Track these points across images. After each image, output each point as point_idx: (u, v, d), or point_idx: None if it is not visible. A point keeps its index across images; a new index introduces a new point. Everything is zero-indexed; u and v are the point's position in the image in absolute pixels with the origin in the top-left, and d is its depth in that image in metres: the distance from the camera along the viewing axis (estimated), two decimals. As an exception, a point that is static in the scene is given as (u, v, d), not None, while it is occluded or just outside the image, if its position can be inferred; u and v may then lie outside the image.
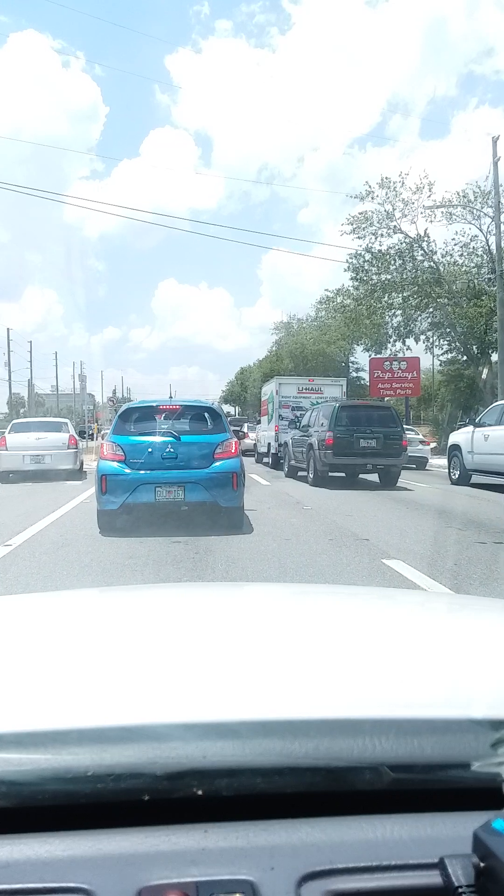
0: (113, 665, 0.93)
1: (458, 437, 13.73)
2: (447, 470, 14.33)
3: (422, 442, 19.70)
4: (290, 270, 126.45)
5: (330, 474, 12.77)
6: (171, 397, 15.01)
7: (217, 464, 7.15)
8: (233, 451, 7.31)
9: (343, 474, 13.22)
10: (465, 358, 29.27)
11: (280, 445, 17.34)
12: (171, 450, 7.05)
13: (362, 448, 12.58)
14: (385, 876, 0.57)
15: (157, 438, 7.18)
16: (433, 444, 23.63)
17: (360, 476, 13.66)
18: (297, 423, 16.01)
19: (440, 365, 36.86)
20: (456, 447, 13.61)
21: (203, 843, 0.60)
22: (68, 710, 0.73)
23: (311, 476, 13.15)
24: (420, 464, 18.86)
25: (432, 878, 0.56)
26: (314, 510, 9.13)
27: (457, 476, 13.53)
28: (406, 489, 12.54)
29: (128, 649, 1.02)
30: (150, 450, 7.05)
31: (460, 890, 0.53)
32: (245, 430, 26.07)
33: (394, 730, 0.67)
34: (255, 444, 22.37)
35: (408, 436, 15.49)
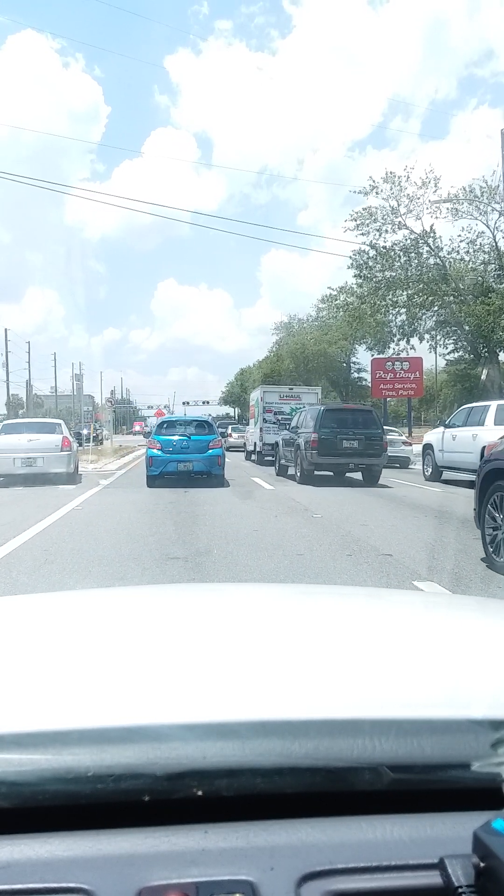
0: (113, 666, 0.93)
1: (431, 437, 15.13)
2: (421, 467, 15.75)
3: (404, 443, 20.80)
4: (289, 272, 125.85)
5: (315, 473, 13.87)
6: (168, 407, 19.56)
7: (210, 451, 13.16)
8: (219, 444, 13.63)
9: (331, 473, 14.28)
10: (471, 357, 28.41)
11: (265, 445, 20.02)
12: (186, 443, 13.16)
13: (345, 448, 13.67)
14: (385, 876, 0.58)
15: (178, 437, 13.27)
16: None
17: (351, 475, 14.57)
18: (281, 425, 18.13)
19: (446, 364, 36.06)
20: (429, 446, 15.01)
21: (203, 843, 0.60)
22: (69, 711, 0.73)
23: (298, 474, 14.22)
24: (403, 463, 19.84)
25: (432, 879, 0.56)
26: (325, 518, 8.35)
27: (429, 473, 14.90)
28: (388, 487, 13.39)
29: (128, 650, 1.02)
30: (174, 443, 13.13)
31: (460, 890, 0.54)
32: (229, 431, 34.19)
33: (393, 730, 0.67)
34: (244, 443, 26.14)
35: (390, 437, 17.43)
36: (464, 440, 13.06)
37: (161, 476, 12.76)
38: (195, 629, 1.16)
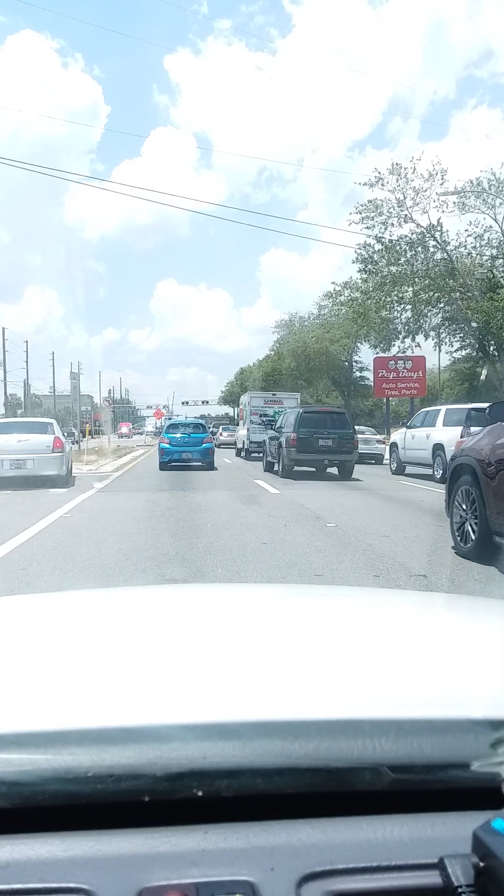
0: (113, 666, 0.93)
1: (397, 436, 17.79)
2: (388, 463, 18.47)
3: (378, 441, 22.88)
4: (288, 272, 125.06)
5: (295, 468, 15.77)
6: (167, 407, 23.78)
7: (204, 445, 18.63)
8: (210, 440, 19.43)
9: (313, 469, 16.00)
10: (479, 355, 27.55)
11: (252, 443, 23.58)
12: (187, 439, 18.62)
13: (321, 446, 15.51)
14: (385, 876, 0.58)
15: (181, 434, 18.87)
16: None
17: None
18: (266, 426, 21.27)
19: (451, 362, 35.20)
20: (395, 444, 17.66)
21: (203, 843, 0.60)
22: (69, 711, 0.73)
23: (280, 469, 16.04)
24: (378, 459, 21.68)
25: (432, 879, 0.57)
26: (340, 528, 7.56)
27: (395, 467, 17.39)
28: (360, 480, 15.19)
29: (128, 650, 1.02)
30: (178, 439, 18.68)
31: (460, 890, 0.54)
32: (220, 431, 40.38)
33: (393, 730, 0.68)
34: (234, 441, 30.80)
35: (366, 436, 21.38)
36: (420, 439, 15.44)
37: (169, 462, 18.18)
38: (195, 629, 1.16)
